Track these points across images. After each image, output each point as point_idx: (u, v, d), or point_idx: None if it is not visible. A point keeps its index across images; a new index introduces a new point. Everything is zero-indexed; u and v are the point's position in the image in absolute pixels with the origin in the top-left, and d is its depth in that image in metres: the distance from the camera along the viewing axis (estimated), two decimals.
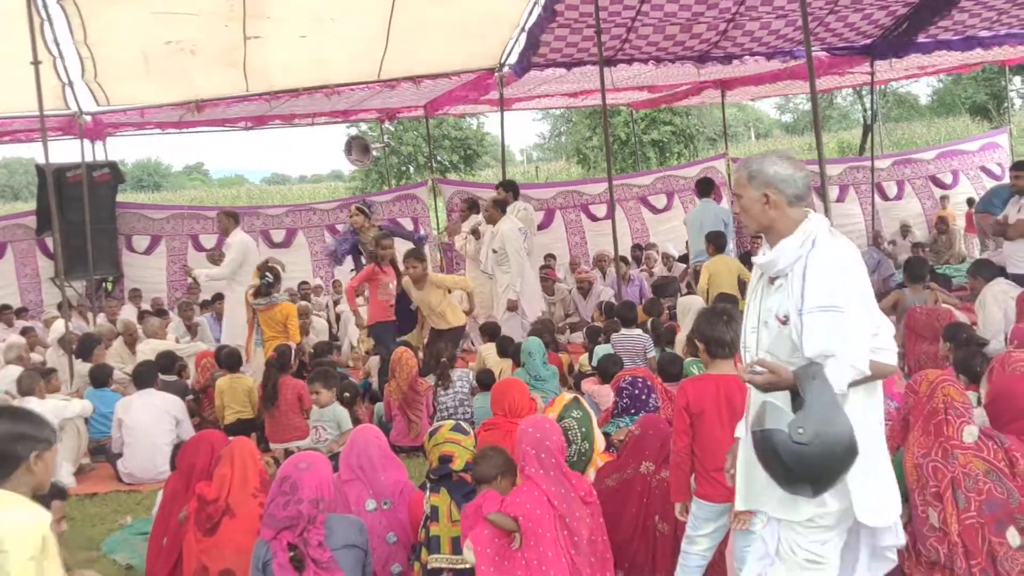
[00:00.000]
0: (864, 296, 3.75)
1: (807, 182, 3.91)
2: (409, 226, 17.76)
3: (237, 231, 12.18)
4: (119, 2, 10.59)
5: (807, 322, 3.69)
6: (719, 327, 4.63)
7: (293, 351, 9.70)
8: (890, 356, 3.81)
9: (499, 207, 12.34)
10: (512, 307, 12.01)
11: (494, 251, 12.19)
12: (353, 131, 24.55)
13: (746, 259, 11.71)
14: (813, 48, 9.10)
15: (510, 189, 13.07)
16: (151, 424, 8.70)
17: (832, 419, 3.53)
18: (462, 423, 5.89)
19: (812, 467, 3.53)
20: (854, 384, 3.68)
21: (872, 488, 3.81)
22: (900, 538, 3.97)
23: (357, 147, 19.12)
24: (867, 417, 3.83)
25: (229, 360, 9.97)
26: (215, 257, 13.13)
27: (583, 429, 6.02)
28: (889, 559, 4.04)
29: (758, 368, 3.66)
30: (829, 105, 43.11)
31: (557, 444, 4.77)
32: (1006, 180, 15.72)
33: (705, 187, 13.68)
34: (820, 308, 3.67)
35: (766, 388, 3.67)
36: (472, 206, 13.78)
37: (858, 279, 3.75)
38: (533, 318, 11.90)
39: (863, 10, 13.22)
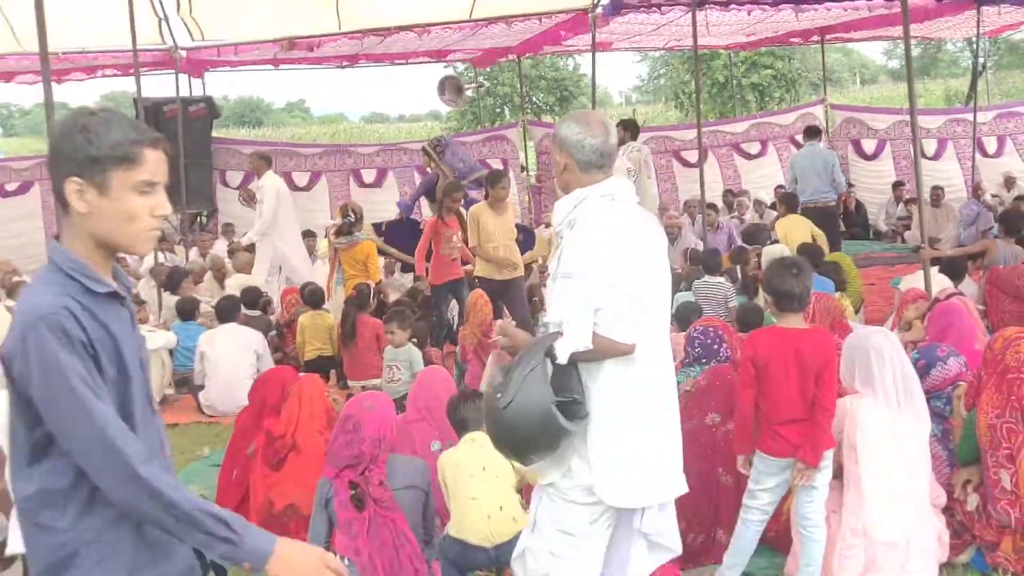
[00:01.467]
0: (620, 269, 3.54)
1: (603, 149, 3.69)
2: (499, 166, 17.72)
3: (268, 174, 12.21)
4: None
5: (552, 287, 3.70)
6: (788, 280, 4.52)
7: (372, 290, 9.77)
8: (624, 334, 3.50)
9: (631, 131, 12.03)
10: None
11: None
12: (449, 71, 24.47)
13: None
14: None
15: (629, 128, 12.70)
16: (233, 358, 8.85)
17: (529, 389, 3.45)
18: None
19: (508, 433, 3.52)
20: (590, 358, 3.55)
21: (618, 467, 3.61)
22: (659, 526, 3.72)
23: (450, 87, 19.09)
24: (619, 393, 3.61)
25: (312, 297, 10.08)
26: (244, 196, 13.21)
27: None
28: (665, 547, 3.82)
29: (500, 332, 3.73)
30: (938, 50, 41.87)
31: None
32: None
33: (813, 131, 13.85)
34: (563, 275, 3.64)
35: (510, 352, 3.68)
36: None
37: (615, 251, 3.54)
38: None
39: None
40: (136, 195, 2.52)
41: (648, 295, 3.66)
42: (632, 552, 3.79)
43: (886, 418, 4.65)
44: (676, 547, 3.85)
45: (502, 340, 3.78)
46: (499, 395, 3.51)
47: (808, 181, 12.95)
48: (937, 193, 15.93)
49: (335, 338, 9.68)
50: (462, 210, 10.49)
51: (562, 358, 3.51)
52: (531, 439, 3.52)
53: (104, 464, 2.38)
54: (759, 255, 11.30)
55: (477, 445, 4.77)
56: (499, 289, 9.49)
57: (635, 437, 3.62)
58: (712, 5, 13.57)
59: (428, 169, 12.71)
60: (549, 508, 3.75)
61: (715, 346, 6.54)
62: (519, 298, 9.78)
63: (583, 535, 3.69)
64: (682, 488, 3.81)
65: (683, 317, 8.33)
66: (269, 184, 12.04)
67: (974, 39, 19.55)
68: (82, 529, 2.47)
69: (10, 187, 16.99)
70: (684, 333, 7.42)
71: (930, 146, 18.35)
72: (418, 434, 5.67)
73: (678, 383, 6.52)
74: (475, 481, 4.71)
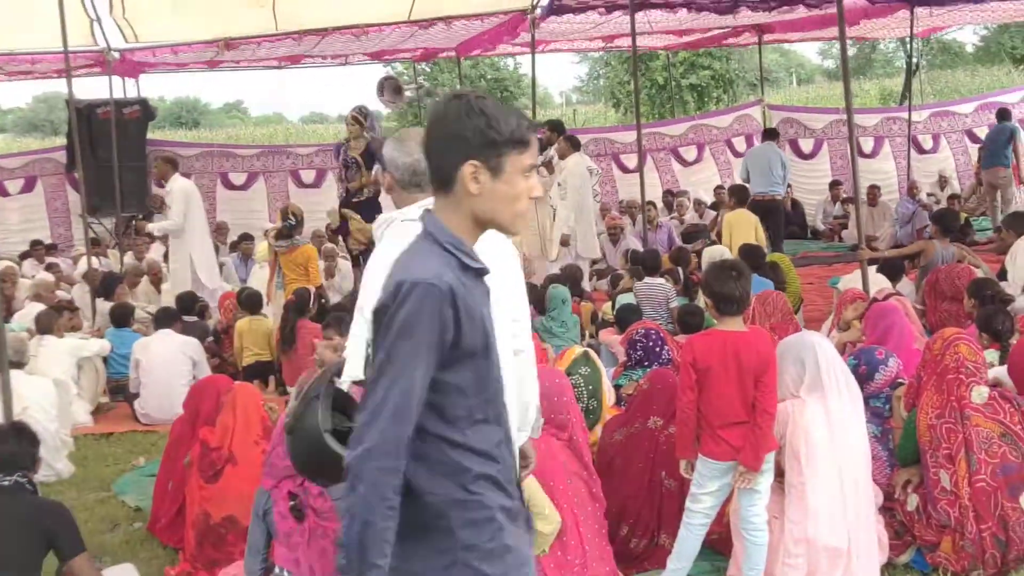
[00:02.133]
0: None
1: (416, 168, 3.71)
2: None
3: (176, 177, 11.86)
4: None
5: None
6: (728, 283, 4.51)
7: (313, 294, 9.66)
8: None
9: (571, 143, 12.15)
10: (564, 242, 11.89)
11: (559, 184, 12.05)
12: (387, 71, 24.32)
13: None
14: None
15: (556, 130, 12.73)
16: (168, 365, 8.70)
17: (308, 415, 3.36)
18: None
19: (295, 459, 3.50)
20: None
21: None
22: None
23: (389, 87, 18.95)
24: None
25: (249, 302, 9.94)
26: (154, 202, 13.04)
27: (590, 387, 5.94)
28: None
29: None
30: (873, 51, 42.38)
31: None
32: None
33: (771, 133, 14.91)
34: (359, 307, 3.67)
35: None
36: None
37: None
38: (590, 258, 11.82)
39: None
40: (522, 178, 2.69)
41: None
42: None
43: (831, 420, 4.66)
44: None
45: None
46: (287, 419, 3.56)
47: (759, 175, 13.20)
48: (874, 192, 16.12)
49: (273, 343, 9.55)
50: None
51: (344, 386, 3.56)
52: (311, 466, 3.47)
53: (362, 429, 2.54)
54: (699, 254, 11.35)
55: None
56: None
57: None
58: (650, 7, 13.59)
59: (349, 141, 12.25)
60: None
61: (657, 349, 6.56)
62: None
63: None
64: None
65: (623, 319, 8.35)
66: (177, 188, 11.73)
67: (907, 39, 19.80)
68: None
69: None
70: (623, 336, 7.44)
71: (867, 144, 18.54)
72: None
73: (618, 386, 6.55)
74: None
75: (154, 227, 12.33)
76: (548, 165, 12.69)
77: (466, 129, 2.60)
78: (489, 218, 2.69)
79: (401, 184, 3.80)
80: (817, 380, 4.71)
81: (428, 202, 3.49)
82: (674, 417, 5.04)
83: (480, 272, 2.72)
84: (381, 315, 2.58)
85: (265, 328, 9.76)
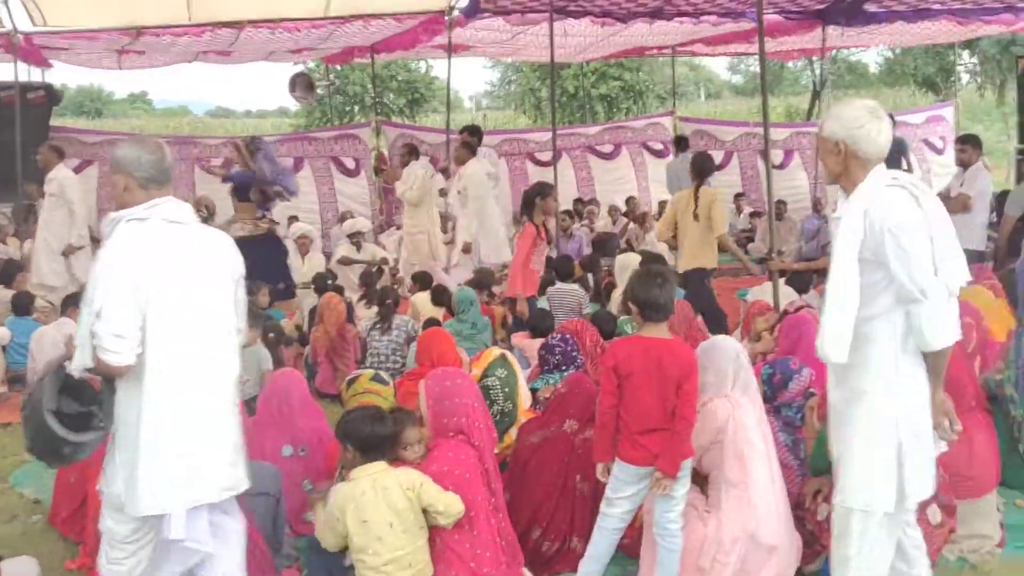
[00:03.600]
0: (113, 292, 3.78)
1: (160, 165, 4.05)
2: (351, 165, 17.66)
3: (60, 166, 11.70)
4: None
5: None
6: (653, 290, 4.53)
7: None
8: (115, 357, 3.73)
9: (469, 148, 12.02)
10: (466, 249, 11.81)
11: (458, 192, 11.97)
12: (300, 68, 24.06)
13: None
14: (764, 11, 8.98)
15: (475, 134, 12.69)
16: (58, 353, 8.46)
17: (36, 396, 3.93)
18: (382, 373, 5.79)
19: (24, 436, 4.05)
20: (104, 374, 3.87)
21: (137, 479, 3.83)
22: (180, 532, 3.84)
23: (302, 84, 18.82)
24: (133, 406, 3.87)
25: None
26: (32, 193, 12.85)
27: (506, 389, 5.93)
28: (192, 551, 3.96)
29: None
30: (780, 69, 43.11)
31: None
32: (949, 154, 15.86)
33: (681, 142, 15.37)
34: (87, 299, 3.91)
35: None
36: (412, 151, 13.41)
37: (107, 278, 3.81)
38: (499, 263, 11.75)
39: None
40: None
41: (173, 313, 3.87)
42: (168, 556, 3.98)
43: (760, 420, 4.75)
44: (206, 548, 3.97)
45: None
46: (23, 399, 4.02)
47: (680, 186, 13.37)
48: (779, 207, 16.38)
49: None
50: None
51: (74, 372, 3.89)
52: (34, 443, 3.96)
53: None
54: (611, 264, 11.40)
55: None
56: None
57: (152, 449, 3.84)
58: (569, 15, 13.62)
59: (235, 166, 12.32)
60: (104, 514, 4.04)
61: (574, 353, 6.57)
62: None
63: (131, 543, 3.99)
64: (217, 495, 3.97)
65: (536, 325, 8.36)
66: (65, 175, 11.59)
67: (816, 57, 20.19)
68: None
69: None
70: (539, 340, 7.44)
71: (777, 156, 18.87)
72: (269, 438, 5.51)
73: (535, 390, 6.55)
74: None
75: (77, 238, 11.67)
76: (445, 171, 12.70)
77: None
78: None
79: (140, 183, 4.00)
80: (748, 382, 4.78)
81: (160, 200, 3.99)
82: (591, 421, 5.05)
83: None
84: None
85: None
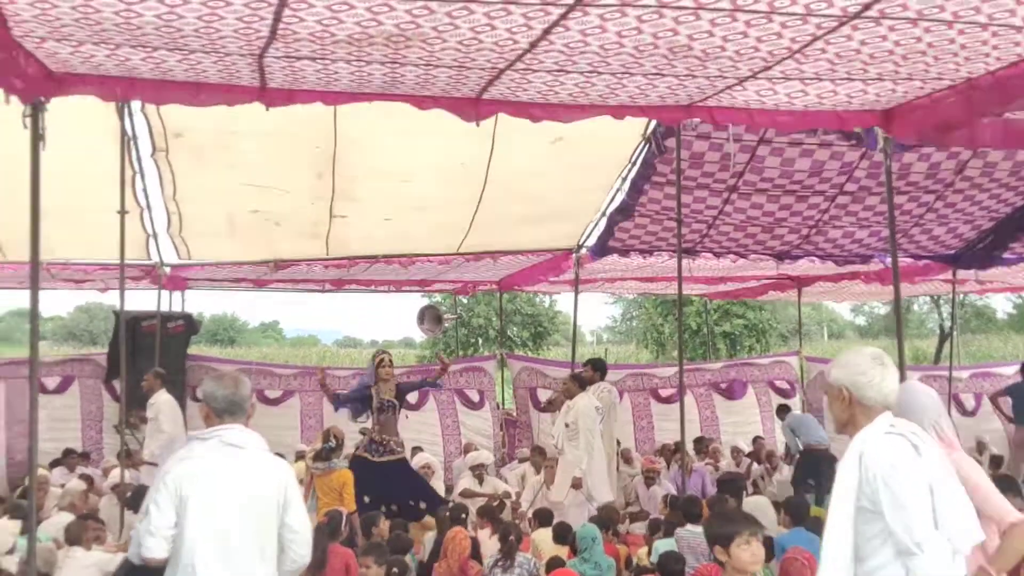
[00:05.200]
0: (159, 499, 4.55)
1: (232, 399, 4.78)
2: (475, 398, 17.75)
3: (161, 391, 12.13)
4: (212, 169, 10.66)
5: None
6: None
7: (345, 517, 9.48)
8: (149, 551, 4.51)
9: (577, 382, 12.02)
10: (576, 484, 11.60)
11: (566, 425, 11.83)
12: (427, 300, 24.71)
13: None
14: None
15: (598, 368, 12.71)
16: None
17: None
18: None
19: None
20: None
21: None
22: None
23: (430, 317, 19.19)
24: None
25: None
26: (137, 418, 13.10)
27: None
28: None
29: None
30: (907, 311, 42.77)
31: None
32: None
33: (783, 408, 15.98)
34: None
35: None
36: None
37: (155, 489, 4.65)
38: (601, 502, 11.42)
39: (948, 223, 13.08)
40: None
41: (206, 522, 4.49)
42: None
43: None
44: None
45: None
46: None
47: (810, 428, 13.77)
48: None
49: None
50: None
51: (132, 559, 4.66)
52: None
53: None
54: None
55: None
56: None
57: None
58: (699, 253, 13.80)
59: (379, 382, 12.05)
60: None
61: None
62: None
63: None
64: None
65: (666, 567, 8.12)
66: (164, 400, 11.98)
67: (944, 300, 19.96)
68: None
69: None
70: None
71: None
72: None
73: None
74: None
75: (148, 453, 12.12)
76: (549, 403, 12.58)
77: None
78: None
79: (216, 412, 4.75)
80: None
81: (225, 427, 4.71)
82: None
83: None
84: None
85: None
